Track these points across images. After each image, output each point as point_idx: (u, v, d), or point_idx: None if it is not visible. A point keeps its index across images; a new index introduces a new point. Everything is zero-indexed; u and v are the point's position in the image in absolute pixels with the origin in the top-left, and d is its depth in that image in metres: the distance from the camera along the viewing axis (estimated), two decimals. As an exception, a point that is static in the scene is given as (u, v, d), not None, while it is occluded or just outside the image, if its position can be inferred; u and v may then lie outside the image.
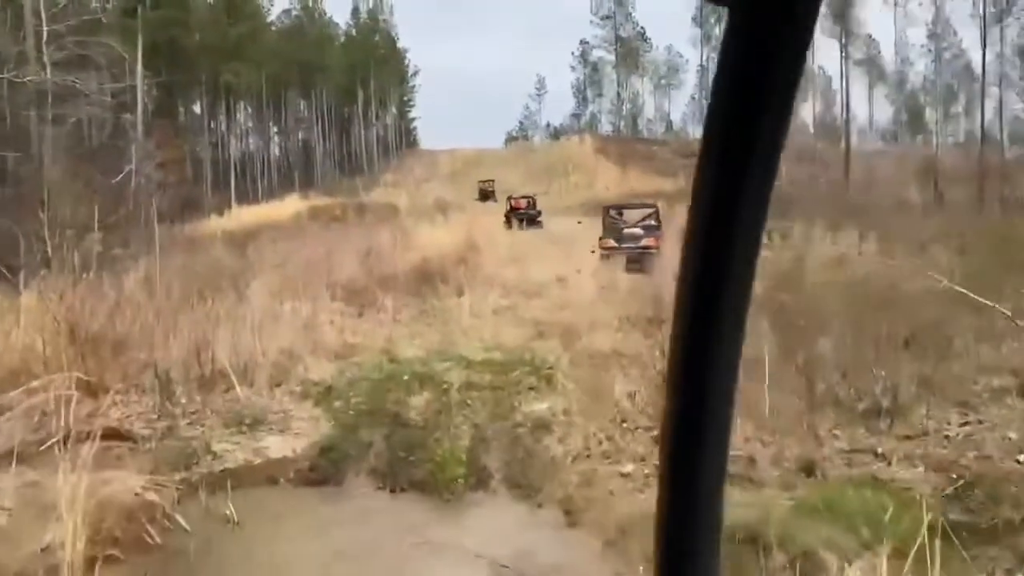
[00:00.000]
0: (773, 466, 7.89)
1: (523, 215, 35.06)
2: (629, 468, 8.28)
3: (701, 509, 0.54)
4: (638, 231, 21.10)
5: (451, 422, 9.94)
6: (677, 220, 29.11)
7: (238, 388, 11.10)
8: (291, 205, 47.75)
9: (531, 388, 10.66)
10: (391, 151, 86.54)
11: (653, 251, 19.35)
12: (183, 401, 10.93)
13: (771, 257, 13.23)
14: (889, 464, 7.73)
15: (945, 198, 41.44)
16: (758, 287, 0.55)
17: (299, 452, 9.75)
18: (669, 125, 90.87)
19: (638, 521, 7.52)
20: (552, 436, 9.33)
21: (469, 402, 10.55)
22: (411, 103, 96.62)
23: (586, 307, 14.50)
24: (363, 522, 8.23)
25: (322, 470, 9.36)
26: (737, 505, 7.47)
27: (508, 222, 34.08)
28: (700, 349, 0.48)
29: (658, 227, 21.15)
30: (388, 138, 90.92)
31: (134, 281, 17.18)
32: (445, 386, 10.95)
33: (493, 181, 52.94)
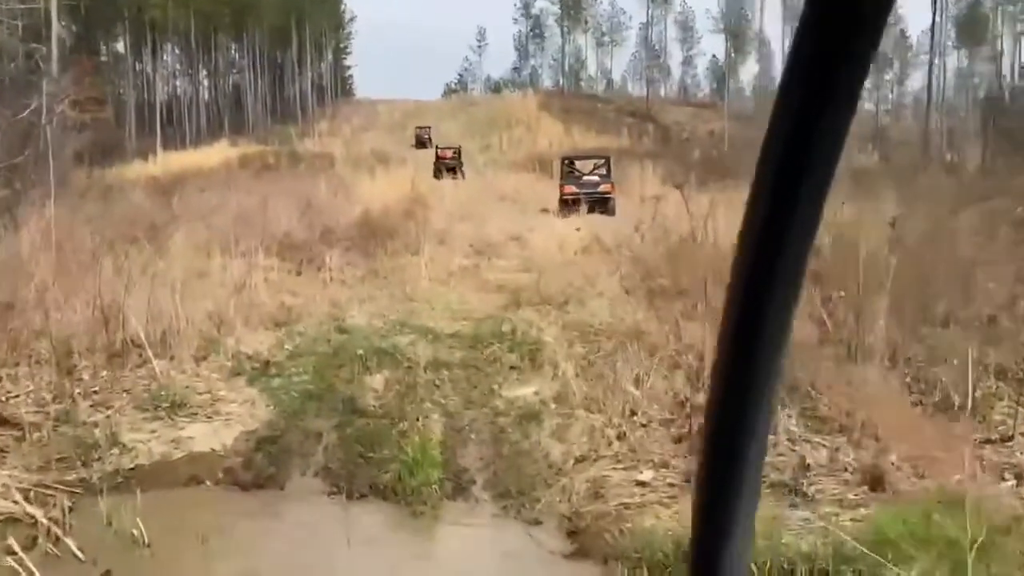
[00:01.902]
0: (830, 475, 6.39)
1: (447, 164, 36.29)
2: (647, 475, 6.70)
3: (743, 485, 0.47)
4: (595, 178, 23.25)
5: (419, 409, 8.20)
6: (627, 180, 28.01)
7: (154, 362, 9.14)
8: (221, 152, 45.37)
9: (512, 368, 8.98)
10: (326, 99, 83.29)
11: (610, 196, 21.62)
12: (85, 378, 8.94)
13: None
14: (974, 476, 6.29)
15: (891, 161, 41.00)
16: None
17: (230, 445, 7.93)
18: (610, 83, 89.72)
19: (664, 545, 5.97)
20: (543, 430, 7.68)
21: (438, 384, 8.82)
22: (347, 50, 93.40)
23: (560, 269, 12.83)
24: (311, 543, 6.49)
25: (259, 468, 7.57)
26: (789, 529, 5.99)
27: (437, 172, 34.90)
28: (755, 318, 0.44)
29: (609, 176, 23.66)
30: (323, 86, 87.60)
31: (35, 230, 14.83)
32: (408, 364, 9.19)
33: (429, 128, 53.23)
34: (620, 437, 7.12)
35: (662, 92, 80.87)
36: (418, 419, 8.02)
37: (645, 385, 7.67)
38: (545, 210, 23.39)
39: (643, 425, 7.37)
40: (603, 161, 24.95)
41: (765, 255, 0.43)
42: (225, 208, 20.05)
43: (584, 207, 21.06)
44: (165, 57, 71.94)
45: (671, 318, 8.65)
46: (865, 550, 5.46)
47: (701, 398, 7.49)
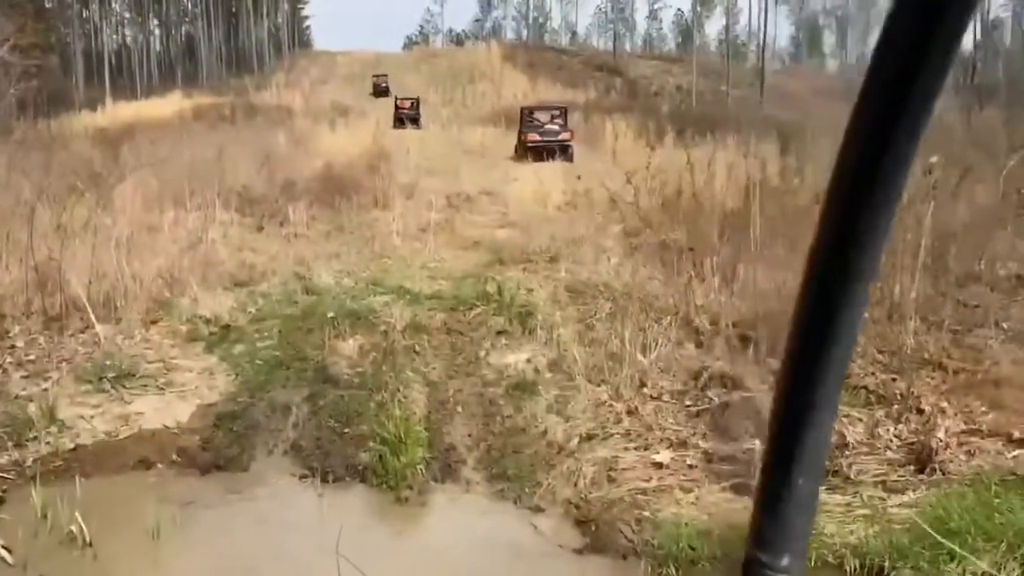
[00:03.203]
0: (870, 454, 5.68)
1: (406, 114, 37.00)
2: (664, 456, 5.93)
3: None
4: (555, 127, 24.46)
5: (398, 379, 7.33)
6: (598, 134, 27.22)
7: (98, 327, 8.14)
8: (173, 103, 43.72)
9: (500, 332, 8.11)
10: (284, 51, 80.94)
11: (569, 143, 22.83)
12: (18, 345, 7.92)
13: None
14: (1030, 453, 5.62)
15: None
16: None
17: (186, 421, 7.01)
18: (574, 36, 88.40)
19: (690, 537, 5.24)
20: (539, 403, 6.86)
21: (418, 350, 7.94)
22: (305, 0, 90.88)
23: (543, 223, 11.95)
24: (281, 536, 5.64)
25: (220, 448, 6.66)
26: (828, 514, 5.27)
27: (397, 122, 35.55)
28: (837, 279, 0.45)
29: (567, 125, 24.90)
30: (280, 37, 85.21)
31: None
32: (384, 328, 8.28)
33: (387, 76, 53.16)
34: (631, 412, 6.32)
35: (627, 46, 79.77)
36: (398, 390, 7.15)
37: (653, 352, 6.85)
38: (515, 163, 22.57)
39: (654, 398, 6.59)
40: (560, 111, 26.02)
41: (842, 256, 0.44)
42: (178, 159, 18.79)
43: (548, 170, 21.37)
44: (113, 4, 69.33)
45: (678, 276, 7.85)
46: (936, 536, 4.75)
47: (718, 366, 6.72)
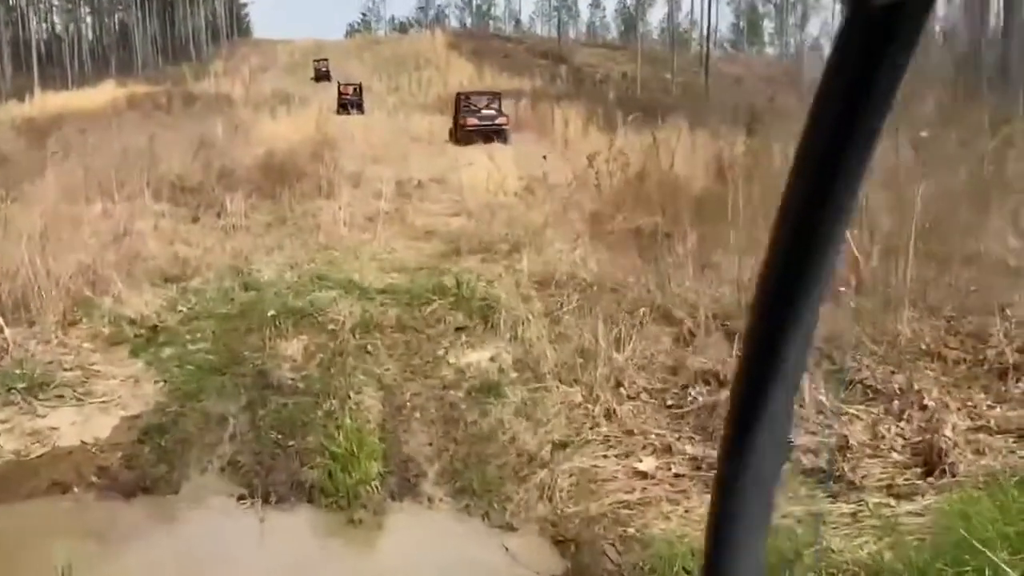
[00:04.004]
0: (875, 456, 5.16)
1: (349, 100, 37.05)
2: (648, 463, 5.33)
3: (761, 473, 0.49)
4: (492, 112, 25.41)
5: (348, 383, 6.62)
6: (547, 121, 26.76)
7: (7, 331, 7.27)
8: (106, 92, 42.15)
9: (460, 329, 7.45)
10: (222, 39, 78.86)
11: (505, 127, 24.02)
12: (-86, 353, 7.01)
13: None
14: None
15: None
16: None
17: (107, 436, 6.22)
18: (518, 23, 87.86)
19: (684, 559, 4.64)
20: (506, 406, 6.22)
21: (370, 350, 7.23)
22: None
23: (499, 211, 11.28)
24: (216, 570, 4.91)
25: (146, 467, 5.89)
26: (833, 527, 4.73)
27: (341, 108, 35.41)
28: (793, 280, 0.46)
29: (501, 110, 25.99)
30: (218, 24, 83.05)
31: None
32: (333, 326, 7.55)
33: (327, 60, 53.01)
34: (608, 415, 5.72)
35: (571, 34, 79.36)
36: (348, 396, 6.45)
37: (628, 347, 6.25)
38: (463, 149, 21.95)
39: (631, 398, 5.99)
40: (494, 97, 27.18)
41: (800, 250, 0.43)
42: (107, 148, 17.71)
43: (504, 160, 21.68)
44: (41, -10, 66.95)
45: (652, 264, 7.26)
46: (962, 549, 4.23)
47: (700, 362, 6.16)
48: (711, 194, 8.03)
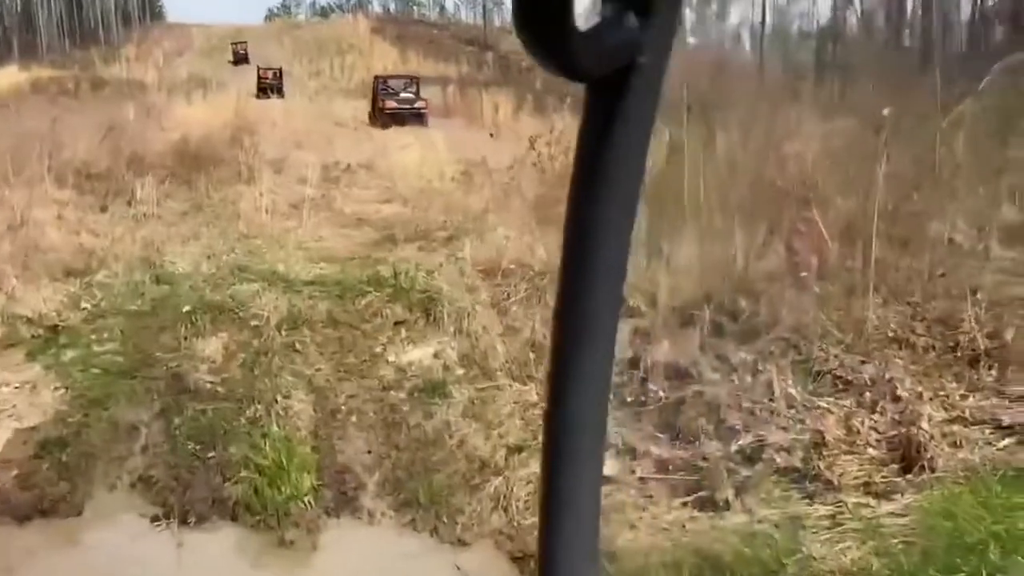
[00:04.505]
0: (851, 453, 4.82)
1: (269, 84, 35.07)
2: (611, 466, 4.87)
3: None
4: (411, 95, 25.15)
5: (275, 386, 6.00)
6: (475, 107, 26.29)
7: None
8: (8, 77, 39.54)
9: (399, 323, 6.87)
10: (133, 22, 75.73)
11: (424, 111, 23.54)
12: None
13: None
14: (1023, 442, 4.89)
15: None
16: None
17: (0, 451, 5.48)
18: (443, 9, 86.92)
19: (656, 573, 4.24)
20: (453, 407, 5.70)
21: (299, 348, 6.60)
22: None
23: (435, 197, 10.69)
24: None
25: (45, 486, 5.22)
26: (813, 532, 4.38)
27: (261, 92, 33.11)
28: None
29: (419, 94, 25.77)
30: (129, 7, 79.73)
31: None
32: (256, 322, 6.89)
33: (246, 43, 51.28)
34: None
35: (497, 21, 78.92)
36: (275, 400, 5.84)
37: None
38: (392, 133, 21.27)
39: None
40: (412, 80, 26.96)
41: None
42: (5, 133, 16.45)
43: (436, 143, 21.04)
44: (-68, -32, 63.25)
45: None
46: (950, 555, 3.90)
47: (659, 354, 5.73)
48: (657, 180, 7.62)
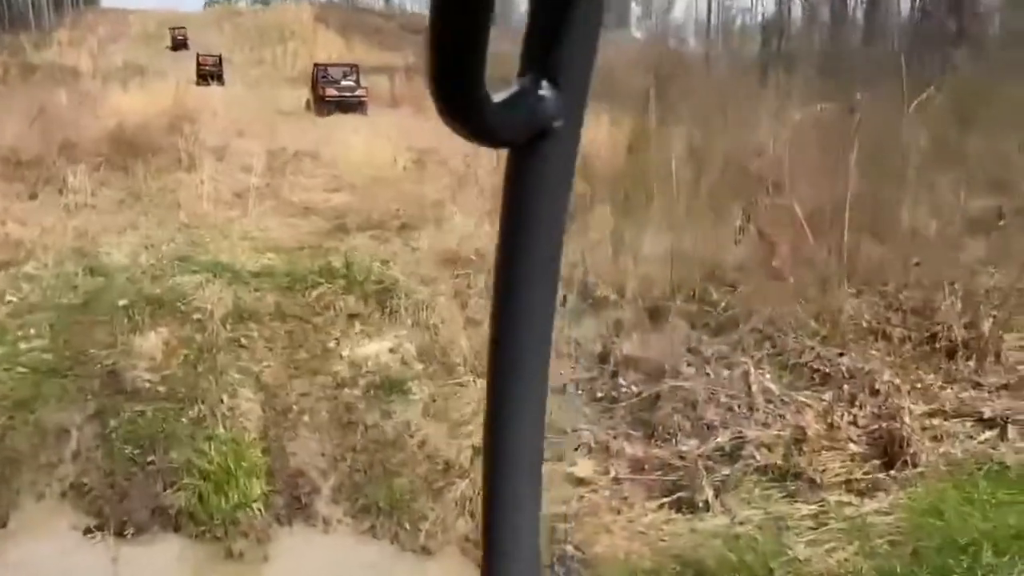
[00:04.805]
0: (832, 448, 4.63)
1: (208, 71, 34.87)
2: (584, 467, 4.63)
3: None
4: (351, 83, 25.23)
5: (221, 384, 5.60)
6: (412, 91, 25.96)
7: None
8: (-69, 62, 37.82)
9: (353, 316, 6.50)
10: (65, 7, 73.13)
11: (365, 99, 23.70)
12: None
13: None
14: (1004, 435, 4.75)
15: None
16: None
17: (-89, 461, 4.97)
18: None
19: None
20: (413, 405, 5.37)
21: (246, 343, 6.19)
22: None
23: (387, 185, 10.29)
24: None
25: (-37, 495, 4.73)
26: (795, 532, 4.18)
27: (200, 80, 32.98)
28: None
29: (359, 82, 25.90)
30: (61, -9, 77.15)
31: None
32: (199, 316, 6.45)
33: (185, 28, 49.97)
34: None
35: (443, 12, 77.97)
36: (221, 399, 5.43)
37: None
38: (338, 123, 20.75)
39: (556, 391, 5.25)
40: (352, 68, 26.85)
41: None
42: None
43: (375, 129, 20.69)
44: None
45: (567, 239, 6.53)
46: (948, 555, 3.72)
47: (629, 347, 5.49)
48: (621, 170, 7.40)
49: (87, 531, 4.60)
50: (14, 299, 6.91)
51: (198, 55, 39.08)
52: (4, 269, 7.49)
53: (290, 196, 10.97)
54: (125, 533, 4.56)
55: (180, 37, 48.64)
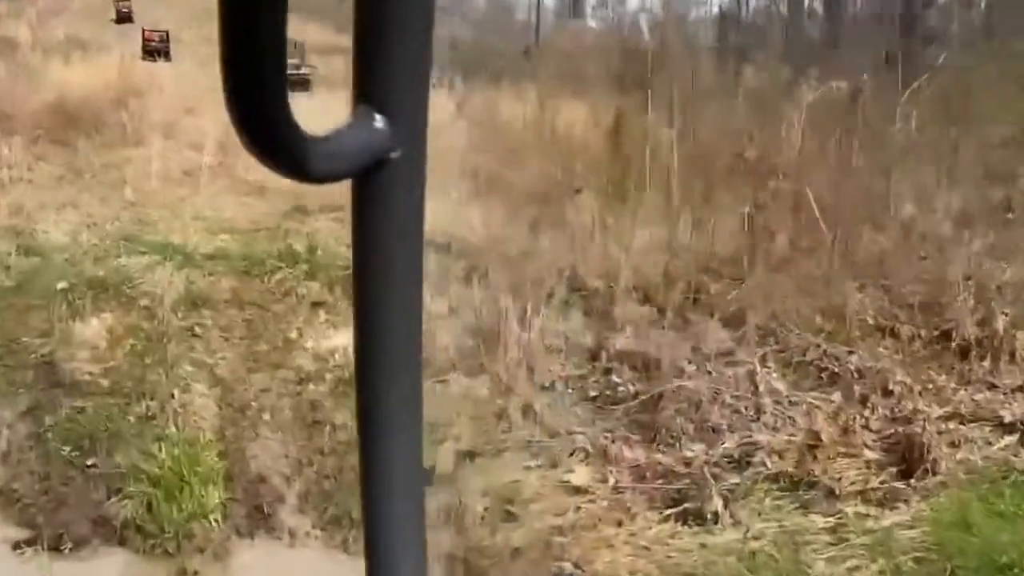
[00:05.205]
0: (846, 455, 4.28)
1: (155, 47, 34.57)
2: (581, 474, 4.22)
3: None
4: (295, 61, 23.67)
5: (172, 377, 5.04)
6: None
7: None
8: None
9: (317, 304, 5.97)
10: (3, -23, 70.26)
11: (309, 76, 22.22)
12: None
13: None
14: (1024, 442, 4.46)
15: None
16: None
17: None
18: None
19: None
20: (386, 401, 4.86)
21: (199, 332, 5.63)
22: (29, -81, 80.00)
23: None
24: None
25: None
26: (813, 548, 3.82)
27: (147, 55, 33.01)
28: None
29: (304, 61, 24.16)
30: (-2, -39, 74.03)
31: None
32: (147, 301, 5.85)
33: (130, 2, 48.00)
34: (525, 411, 4.52)
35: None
36: (172, 395, 4.89)
37: (536, 326, 5.08)
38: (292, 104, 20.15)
39: (546, 388, 4.83)
40: (296, 45, 27.90)
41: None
42: None
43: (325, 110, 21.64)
44: None
45: (553, 226, 6.07)
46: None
47: (622, 342, 5.08)
48: (605, 157, 6.97)
49: (17, 545, 4.05)
50: (-62, 280, 6.24)
51: (144, 30, 37.95)
52: (-74, 247, 6.79)
53: (245, 175, 10.33)
54: (62, 547, 4.03)
55: (125, 10, 47.05)
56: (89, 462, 4.41)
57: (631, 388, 4.71)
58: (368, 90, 0.43)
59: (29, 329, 5.61)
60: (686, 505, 4.03)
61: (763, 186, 5.87)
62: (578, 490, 4.12)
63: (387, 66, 0.43)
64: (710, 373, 4.65)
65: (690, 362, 4.74)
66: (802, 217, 5.42)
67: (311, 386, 5.14)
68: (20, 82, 19.82)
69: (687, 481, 4.14)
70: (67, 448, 4.50)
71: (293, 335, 5.65)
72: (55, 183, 9.84)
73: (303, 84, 23.61)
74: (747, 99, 8.71)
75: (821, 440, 4.27)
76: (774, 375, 4.66)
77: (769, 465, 4.19)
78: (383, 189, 0.44)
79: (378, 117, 0.42)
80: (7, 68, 23.37)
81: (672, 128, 7.59)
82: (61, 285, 5.99)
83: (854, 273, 5.61)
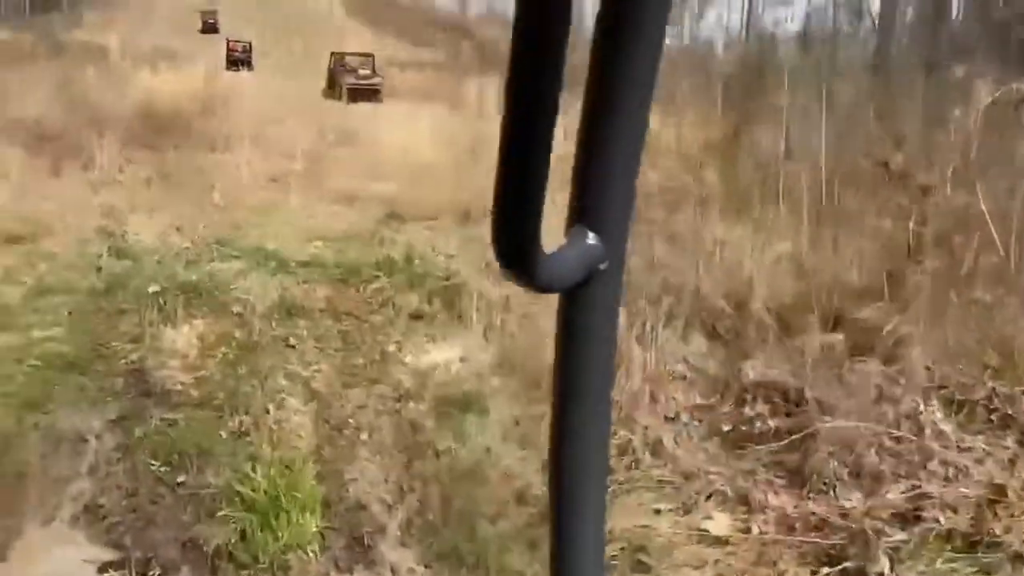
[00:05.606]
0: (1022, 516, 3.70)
1: (238, 57, 35.68)
2: (720, 521, 3.72)
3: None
4: (367, 72, 26.56)
5: (267, 390, 4.73)
6: (446, 87, 25.49)
7: None
8: (-39, 42, 37.59)
9: (416, 316, 5.61)
10: (96, -10, 73.15)
11: (379, 88, 25.07)
12: None
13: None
14: None
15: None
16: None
17: None
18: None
19: None
20: (491, 427, 4.49)
21: (294, 343, 5.31)
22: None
23: (434, 174, 9.41)
24: None
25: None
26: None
27: (231, 65, 33.93)
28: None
29: (375, 72, 27.11)
30: (93, -26, 77.19)
31: None
32: (239, 308, 5.58)
33: (216, 11, 50.46)
34: (653, 447, 4.05)
35: (473, 9, 77.49)
36: (267, 409, 4.56)
37: (655, 343, 4.61)
38: (372, 114, 20.09)
39: (670, 419, 4.35)
40: (368, 58, 27.89)
41: None
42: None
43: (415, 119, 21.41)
44: None
45: (673, 240, 5.60)
46: None
47: (759, 371, 4.57)
48: (720, 169, 6.49)
49: (103, 568, 3.73)
50: (28, 281, 6.08)
51: (228, 40, 39.15)
52: (19, 244, 6.67)
53: (332, 183, 10.14)
54: (149, 572, 3.68)
55: (211, 21, 48.85)
56: (179, 479, 4.10)
57: (770, 424, 4.20)
58: (585, 210, 0.46)
59: (119, 334, 5.38)
60: (846, 564, 3.50)
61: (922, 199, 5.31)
62: (717, 540, 3.63)
63: (603, 190, 0.45)
64: (864, 410, 4.12)
65: (848, 396, 4.21)
66: (991, 232, 4.81)
67: (411, 404, 4.76)
68: (111, 89, 20.31)
69: (844, 535, 3.61)
70: (156, 463, 4.20)
71: (391, 348, 5.29)
72: (144, 186, 9.82)
73: (375, 94, 24.43)
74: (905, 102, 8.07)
75: (1006, 494, 3.70)
76: (938, 415, 4.10)
77: (942, 520, 3.64)
78: (590, 300, 0.47)
79: (591, 235, 0.45)
80: (98, 75, 24.02)
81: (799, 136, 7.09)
82: (152, 289, 5.77)
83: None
